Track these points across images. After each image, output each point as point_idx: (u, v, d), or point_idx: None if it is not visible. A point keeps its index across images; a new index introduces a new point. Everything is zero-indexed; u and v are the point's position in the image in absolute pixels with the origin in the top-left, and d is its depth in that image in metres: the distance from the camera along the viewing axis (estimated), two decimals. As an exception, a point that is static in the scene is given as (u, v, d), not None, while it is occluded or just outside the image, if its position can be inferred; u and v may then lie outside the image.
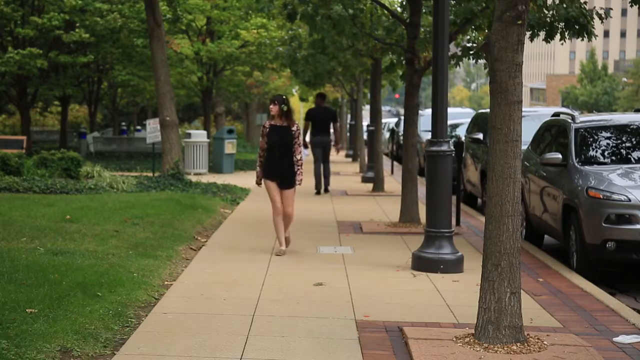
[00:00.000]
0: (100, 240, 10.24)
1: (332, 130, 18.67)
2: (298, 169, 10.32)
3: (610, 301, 8.15)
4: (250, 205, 15.86)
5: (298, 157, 10.31)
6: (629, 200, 9.28)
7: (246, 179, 21.18)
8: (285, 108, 10.31)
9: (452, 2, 12.38)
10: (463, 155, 15.57)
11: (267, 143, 10.36)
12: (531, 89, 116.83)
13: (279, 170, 10.33)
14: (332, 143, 20.18)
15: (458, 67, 14.08)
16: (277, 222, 10.51)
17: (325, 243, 11.40)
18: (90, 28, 25.61)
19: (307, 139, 18.68)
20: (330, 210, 15.30)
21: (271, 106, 10.39)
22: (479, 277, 6.59)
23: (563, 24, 11.43)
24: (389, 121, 45.81)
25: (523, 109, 6.93)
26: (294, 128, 10.33)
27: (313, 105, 22.96)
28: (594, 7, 11.92)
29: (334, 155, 29.50)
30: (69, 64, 27.43)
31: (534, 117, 14.61)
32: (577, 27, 11.36)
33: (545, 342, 6.37)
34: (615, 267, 9.93)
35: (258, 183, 10.53)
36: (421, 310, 7.63)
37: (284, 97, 10.48)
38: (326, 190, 18.82)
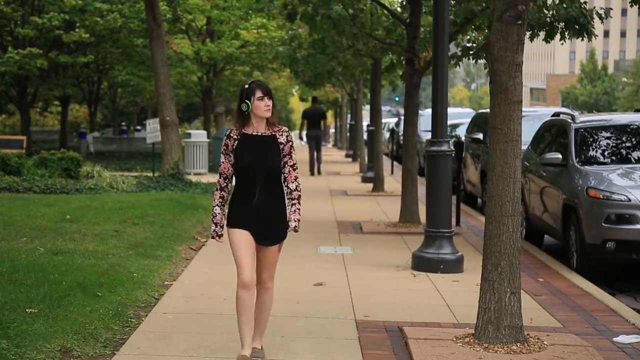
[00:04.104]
0: (100, 240, 10.23)
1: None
2: (294, 205, 5.98)
3: (610, 301, 8.15)
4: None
5: (292, 186, 5.93)
6: (629, 200, 9.28)
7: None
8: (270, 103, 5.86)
9: (452, 2, 12.38)
10: (463, 155, 15.57)
11: (236, 166, 5.85)
12: (531, 89, 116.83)
13: (254, 212, 5.83)
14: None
15: (458, 67, 14.08)
16: (242, 307, 5.84)
17: (325, 243, 11.39)
18: (90, 28, 25.62)
19: (304, 133, 24.01)
20: (330, 210, 15.29)
21: (257, 100, 5.75)
22: (479, 277, 6.59)
23: (563, 24, 11.43)
24: (389, 121, 45.76)
25: (523, 109, 6.93)
26: (283, 139, 5.86)
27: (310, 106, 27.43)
28: (594, 7, 11.91)
29: (333, 156, 30.81)
30: (69, 64, 27.43)
31: (534, 117, 14.60)
32: (577, 27, 11.36)
33: (545, 342, 6.37)
34: (615, 267, 9.93)
35: (217, 235, 5.91)
36: (421, 310, 7.62)
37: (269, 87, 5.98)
38: (319, 172, 23.33)
